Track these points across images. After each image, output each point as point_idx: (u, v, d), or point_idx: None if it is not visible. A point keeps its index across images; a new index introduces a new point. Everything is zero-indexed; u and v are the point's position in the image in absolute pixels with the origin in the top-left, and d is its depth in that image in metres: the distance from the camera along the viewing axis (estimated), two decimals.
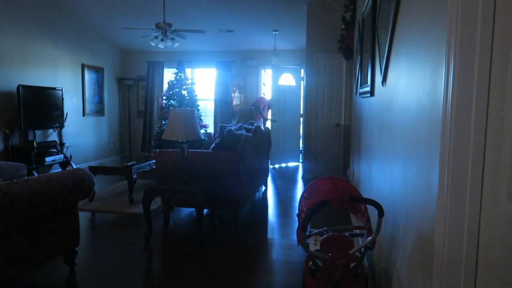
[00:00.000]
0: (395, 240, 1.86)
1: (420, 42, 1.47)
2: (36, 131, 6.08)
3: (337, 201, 2.02)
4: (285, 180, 6.51)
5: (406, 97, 1.69)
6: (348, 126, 6.33)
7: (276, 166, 7.73)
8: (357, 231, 2.59)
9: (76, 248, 2.93)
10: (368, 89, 2.97)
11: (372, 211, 2.02)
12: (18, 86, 5.58)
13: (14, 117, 5.69)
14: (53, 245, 2.65)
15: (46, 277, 2.83)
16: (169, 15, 6.19)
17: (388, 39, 2.10)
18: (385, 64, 2.23)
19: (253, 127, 4.74)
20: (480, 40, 0.99)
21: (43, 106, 6.05)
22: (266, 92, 8.93)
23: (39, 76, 6.34)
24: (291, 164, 8.02)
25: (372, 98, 2.88)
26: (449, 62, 1.05)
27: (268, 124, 8.24)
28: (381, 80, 2.38)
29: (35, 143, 5.74)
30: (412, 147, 1.53)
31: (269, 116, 8.29)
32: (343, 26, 5.48)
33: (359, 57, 3.86)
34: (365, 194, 3.03)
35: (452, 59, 1.02)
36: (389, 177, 2.06)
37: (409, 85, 1.63)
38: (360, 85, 3.70)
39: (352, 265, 1.92)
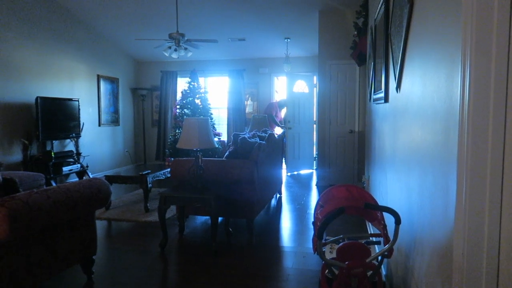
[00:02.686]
0: (413, 248, 1.83)
1: (434, 47, 1.46)
2: (53, 141, 6.21)
3: (353, 209, 2.01)
4: (299, 187, 6.48)
5: (421, 103, 1.68)
6: (362, 132, 6.28)
7: (289, 174, 7.71)
8: (374, 239, 2.56)
9: (93, 257, 2.97)
10: (382, 95, 2.95)
11: (389, 219, 2.00)
12: (37, 98, 5.71)
13: (32, 128, 5.83)
14: (71, 253, 2.69)
15: (64, 285, 2.87)
16: (181, 25, 6.28)
17: (402, 45, 2.09)
18: (399, 70, 2.21)
19: (267, 135, 4.75)
20: (496, 45, 0.98)
21: (60, 116, 6.18)
22: (278, 99, 8.95)
23: (57, 88, 6.48)
24: (306, 171, 7.98)
25: (386, 104, 2.86)
26: (464, 68, 1.04)
27: (280, 131, 8.23)
28: (395, 86, 2.37)
29: (53, 153, 5.85)
30: (429, 154, 1.52)
31: (283, 117, 8.33)
32: (356, 33, 5.48)
33: (372, 63, 3.84)
34: (381, 201, 2.99)
35: (468, 65, 1.02)
36: (405, 184, 2.04)
37: (424, 91, 1.62)
38: (374, 91, 3.68)
39: (369, 273, 1.90)
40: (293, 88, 7.69)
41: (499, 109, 0.98)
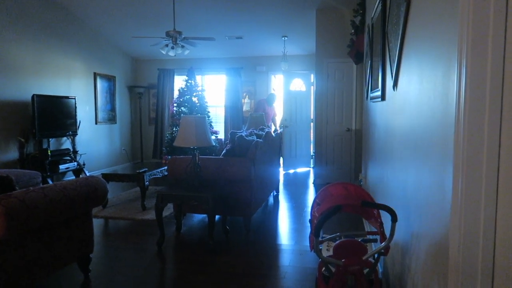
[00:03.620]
0: (409, 245, 1.84)
1: (431, 45, 1.46)
2: (50, 139, 6.18)
3: (350, 207, 2.01)
4: (296, 186, 6.49)
5: (418, 101, 1.68)
6: (359, 130, 6.30)
7: (285, 172, 7.71)
8: (370, 237, 2.57)
9: (90, 255, 2.96)
10: (379, 93, 2.96)
11: (385, 216, 2.01)
12: (33, 96, 5.68)
13: (29, 125, 5.80)
14: (68, 252, 2.69)
15: (61, 283, 2.87)
16: (179, 23, 6.26)
17: (399, 43, 2.10)
18: (396, 68, 2.22)
19: (264, 133, 4.75)
20: (492, 43, 0.98)
21: (57, 114, 6.15)
22: (277, 97, 8.94)
23: (53, 86, 6.45)
24: (303, 169, 7.99)
25: (383, 102, 2.87)
26: (460, 65, 1.04)
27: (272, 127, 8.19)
28: (392, 84, 2.37)
29: (49, 151, 5.83)
30: (425, 152, 1.52)
31: (276, 113, 8.26)
32: (353, 31, 5.48)
33: (369, 61, 3.85)
34: (378, 199, 3.00)
35: (464, 63, 1.02)
36: (402, 182, 2.05)
37: (420, 89, 1.63)
38: (371, 90, 3.69)
39: (365, 271, 1.91)
40: (289, 87, 7.69)
41: (495, 107, 0.99)
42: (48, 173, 5.70)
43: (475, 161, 1.01)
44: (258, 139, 4.33)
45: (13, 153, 5.63)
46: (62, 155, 6.24)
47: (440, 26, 1.34)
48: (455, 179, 1.07)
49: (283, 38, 7.57)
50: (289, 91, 7.68)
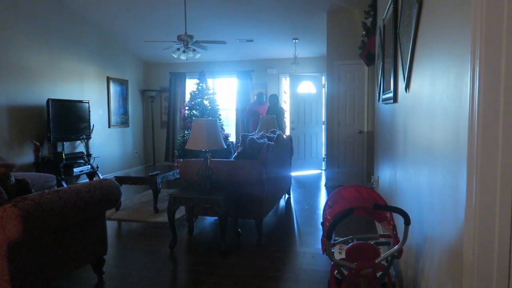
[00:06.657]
0: (423, 248, 1.82)
1: (443, 46, 1.45)
2: (64, 143, 6.28)
3: (362, 209, 2.00)
4: (308, 188, 6.47)
5: (430, 103, 1.67)
6: (371, 132, 6.25)
7: (298, 174, 7.69)
8: (383, 240, 2.55)
9: (104, 257, 3.00)
10: (391, 95, 2.93)
11: (398, 219, 1.99)
12: (48, 100, 5.79)
13: (44, 129, 5.90)
14: (82, 253, 2.72)
15: (76, 285, 2.90)
16: (190, 27, 6.31)
17: (411, 45, 2.08)
18: (408, 70, 2.20)
19: (275, 136, 4.75)
20: (506, 43, 0.97)
21: (71, 118, 6.25)
22: (286, 100, 8.93)
23: (67, 90, 6.56)
24: (314, 172, 7.96)
25: (395, 104, 2.84)
26: (474, 66, 1.03)
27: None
28: (404, 86, 2.35)
29: (63, 155, 5.92)
30: (438, 154, 1.51)
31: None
32: (364, 32, 5.45)
33: (381, 63, 3.82)
34: (390, 202, 2.97)
35: (478, 64, 1.01)
36: (415, 184, 2.03)
37: (433, 90, 1.61)
38: (383, 91, 3.66)
39: (378, 274, 1.89)
40: (296, 89, 7.67)
41: (509, 108, 0.97)
42: (63, 176, 5.79)
43: (489, 163, 1.00)
44: (269, 142, 4.33)
45: (28, 157, 5.74)
46: (76, 158, 6.33)
47: (452, 26, 1.32)
48: (469, 181, 1.06)
49: (293, 40, 7.57)
50: (296, 93, 7.67)
